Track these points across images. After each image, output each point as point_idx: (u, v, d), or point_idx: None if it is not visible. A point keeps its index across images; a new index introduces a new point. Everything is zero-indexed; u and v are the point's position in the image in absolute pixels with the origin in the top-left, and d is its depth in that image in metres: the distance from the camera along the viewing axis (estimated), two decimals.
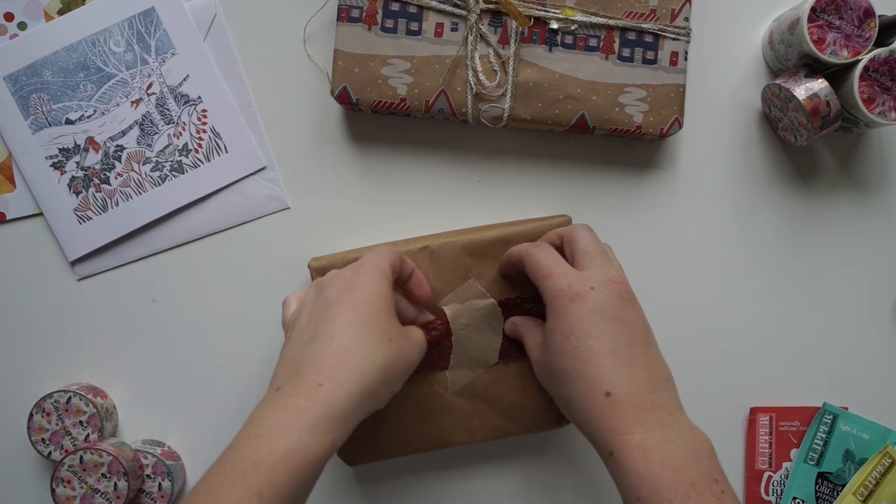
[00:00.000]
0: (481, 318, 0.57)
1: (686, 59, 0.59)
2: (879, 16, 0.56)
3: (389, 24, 0.58)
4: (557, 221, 0.57)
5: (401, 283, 0.53)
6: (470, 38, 0.58)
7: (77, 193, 0.61)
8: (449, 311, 0.57)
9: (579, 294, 0.47)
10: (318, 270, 0.57)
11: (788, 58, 0.59)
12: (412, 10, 0.58)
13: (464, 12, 0.58)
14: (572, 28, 0.58)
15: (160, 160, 0.62)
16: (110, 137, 0.61)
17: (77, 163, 0.61)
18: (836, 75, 0.57)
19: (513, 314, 0.57)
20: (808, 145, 0.61)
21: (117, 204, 0.62)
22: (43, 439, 0.59)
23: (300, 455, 0.41)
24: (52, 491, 0.57)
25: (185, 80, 0.61)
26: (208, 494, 0.40)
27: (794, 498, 0.62)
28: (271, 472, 0.40)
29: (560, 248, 0.53)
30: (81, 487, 0.57)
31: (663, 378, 0.47)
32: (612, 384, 0.45)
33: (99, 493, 0.57)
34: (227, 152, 0.62)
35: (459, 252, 0.57)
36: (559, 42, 0.58)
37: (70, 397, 0.58)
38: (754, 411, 0.63)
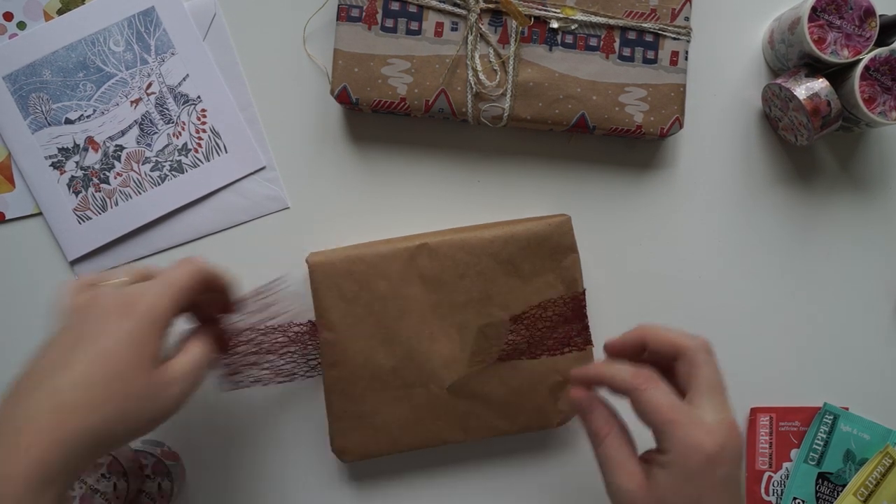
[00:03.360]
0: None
1: (686, 58, 0.59)
2: (880, 15, 0.56)
3: (389, 23, 0.58)
4: (556, 220, 0.57)
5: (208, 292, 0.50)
6: (470, 37, 0.58)
7: (76, 193, 0.61)
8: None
9: (713, 458, 0.44)
10: (317, 266, 0.57)
11: (789, 57, 0.59)
12: (412, 9, 0.58)
13: (464, 12, 0.58)
14: (572, 27, 0.58)
15: (160, 160, 0.62)
16: (110, 137, 0.61)
17: (76, 162, 0.61)
18: (837, 75, 0.57)
19: (519, 325, 0.57)
20: (808, 145, 0.61)
21: (117, 204, 0.62)
22: None
23: None
24: None
25: (184, 79, 0.61)
26: None
27: (795, 498, 0.62)
28: None
29: (658, 354, 0.48)
30: (81, 487, 0.57)
31: None
32: None
33: (98, 494, 0.57)
34: (226, 152, 0.62)
35: (457, 250, 0.57)
36: (559, 41, 0.58)
37: None
38: (754, 411, 0.63)
